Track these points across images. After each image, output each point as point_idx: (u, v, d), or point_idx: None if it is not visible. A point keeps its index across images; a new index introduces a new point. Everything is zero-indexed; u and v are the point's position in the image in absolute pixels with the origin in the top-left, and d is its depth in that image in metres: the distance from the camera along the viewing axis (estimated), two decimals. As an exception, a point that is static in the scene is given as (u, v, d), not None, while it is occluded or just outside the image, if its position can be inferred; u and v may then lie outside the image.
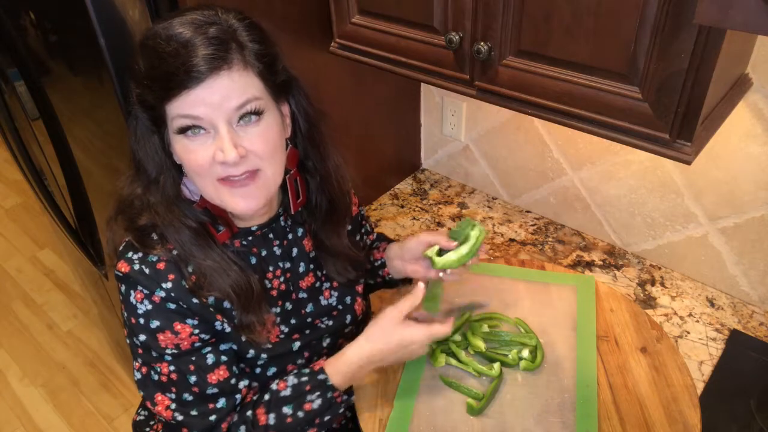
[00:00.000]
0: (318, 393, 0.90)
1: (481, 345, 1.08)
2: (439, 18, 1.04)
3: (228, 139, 0.77)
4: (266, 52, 0.80)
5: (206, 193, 0.84)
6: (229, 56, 0.76)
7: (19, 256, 2.87)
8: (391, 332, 0.93)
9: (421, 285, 0.97)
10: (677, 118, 0.86)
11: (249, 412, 0.89)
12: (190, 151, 0.79)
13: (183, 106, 0.76)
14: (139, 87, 0.79)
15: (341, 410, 0.94)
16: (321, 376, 0.91)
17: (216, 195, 0.83)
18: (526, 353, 1.07)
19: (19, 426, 2.13)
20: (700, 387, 1.11)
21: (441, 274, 1.06)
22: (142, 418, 1.16)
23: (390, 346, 0.92)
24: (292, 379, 0.92)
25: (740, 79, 1.01)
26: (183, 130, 0.78)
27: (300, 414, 0.90)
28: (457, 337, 1.11)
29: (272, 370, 0.96)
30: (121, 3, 0.97)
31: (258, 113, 0.80)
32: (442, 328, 0.94)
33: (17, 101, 1.40)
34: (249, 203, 0.83)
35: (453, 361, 1.07)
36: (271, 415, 0.89)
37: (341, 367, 0.92)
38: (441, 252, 1.04)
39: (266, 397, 0.91)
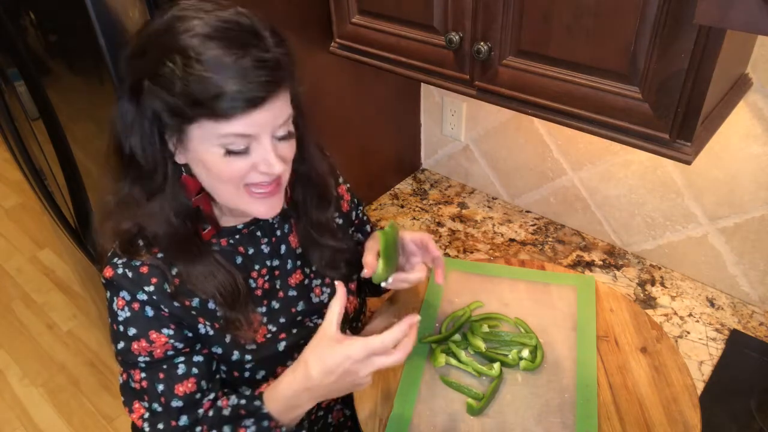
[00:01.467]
0: (252, 420, 0.85)
1: (481, 345, 1.08)
2: (439, 18, 1.04)
3: (274, 153, 0.78)
4: (294, 69, 0.80)
5: (223, 197, 0.83)
6: (280, 76, 0.76)
7: (19, 256, 2.87)
8: (325, 354, 0.80)
9: (340, 284, 0.85)
10: (677, 118, 0.86)
11: (198, 428, 0.88)
12: (230, 164, 0.78)
13: (236, 126, 0.75)
14: (171, 95, 0.74)
15: None
16: (256, 403, 0.85)
17: (236, 199, 0.82)
18: (526, 353, 1.07)
19: (19, 426, 2.13)
20: (700, 387, 1.11)
21: (383, 284, 0.99)
22: (141, 418, 1.15)
23: (325, 370, 0.79)
24: (233, 399, 0.88)
25: (740, 79, 1.01)
26: (230, 151, 0.77)
27: None
28: (457, 337, 1.11)
29: (261, 374, 0.95)
30: (121, 3, 0.97)
31: (291, 131, 0.82)
32: (378, 341, 0.78)
33: (17, 101, 1.40)
34: (270, 210, 0.85)
35: (453, 361, 1.07)
36: None
37: (277, 396, 0.84)
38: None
39: (210, 413, 0.88)
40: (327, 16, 1.24)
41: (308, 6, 1.22)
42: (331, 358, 0.79)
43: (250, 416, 0.85)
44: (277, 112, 0.77)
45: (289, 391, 0.83)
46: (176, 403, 0.87)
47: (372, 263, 0.97)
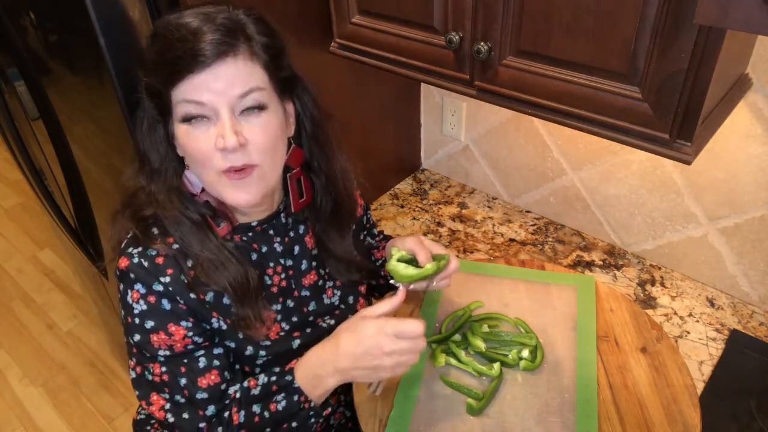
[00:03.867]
0: (283, 394, 0.87)
1: (481, 345, 1.08)
2: (439, 18, 1.04)
3: (229, 125, 0.78)
4: (273, 45, 0.82)
5: (206, 183, 0.84)
6: (236, 44, 0.77)
7: (19, 256, 2.87)
8: (359, 326, 0.84)
9: (402, 288, 0.91)
10: (677, 118, 0.86)
11: (227, 413, 0.89)
12: (192, 139, 0.80)
13: (187, 91, 0.77)
14: (147, 74, 0.81)
15: (312, 421, 0.89)
16: (288, 377, 0.88)
17: (216, 185, 0.83)
18: (526, 353, 1.07)
19: (19, 426, 2.13)
20: (700, 387, 1.11)
21: (391, 282, 1.00)
22: (142, 417, 1.16)
23: (351, 337, 0.83)
24: (262, 378, 0.90)
25: (740, 79, 1.01)
26: (187, 119, 0.79)
27: (266, 414, 0.87)
28: (457, 337, 1.11)
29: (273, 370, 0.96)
30: (121, 3, 0.97)
31: (261, 106, 0.80)
32: (413, 325, 0.83)
33: (17, 101, 1.40)
34: (245, 196, 0.83)
35: (453, 361, 1.07)
36: (242, 413, 0.88)
37: (305, 365, 0.88)
38: (409, 263, 1.02)
39: (237, 395, 0.90)
40: (327, 15, 1.24)
41: (308, 6, 1.22)
42: (363, 329, 0.83)
43: (281, 391, 0.87)
44: (231, 80, 0.77)
45: (316, 359, 0.87)
46: (201, 395, 0.88)
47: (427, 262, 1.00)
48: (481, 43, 0.99)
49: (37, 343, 2.43)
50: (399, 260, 1.01)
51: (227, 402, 0.90)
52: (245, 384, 0.90)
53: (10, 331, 2.50)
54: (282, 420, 0.87)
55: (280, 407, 0.87)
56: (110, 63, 0.98)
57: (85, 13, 0.94)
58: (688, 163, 0.89)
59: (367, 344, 0.82)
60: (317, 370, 0.86)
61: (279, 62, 0.83)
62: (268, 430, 0.88)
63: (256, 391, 0.89)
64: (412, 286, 0.99)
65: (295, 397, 0.87)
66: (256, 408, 0.88)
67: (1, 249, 2.92)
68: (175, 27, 0.76)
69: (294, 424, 0.88)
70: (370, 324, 0.83)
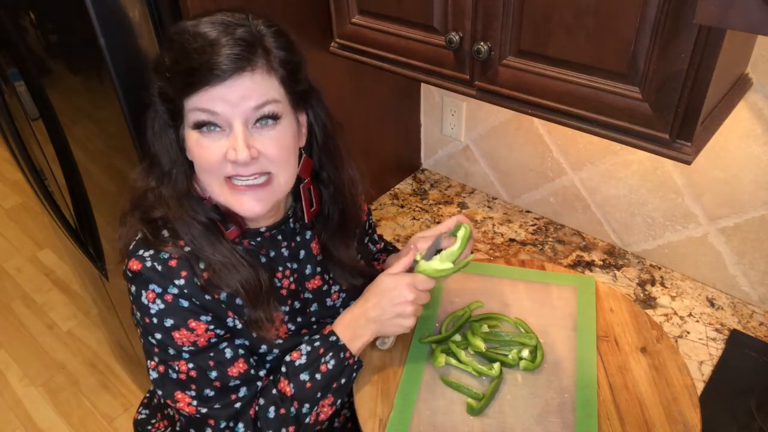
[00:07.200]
0: (331, 353, 0.93)
1: (481, 345, 1.08)
2: (439, 18, 1.04)
3: (242, 138, 0.78)
4: (290, 60, 0.81)
5: (212, 191, 0.84)
6: (253, 59, 0.77)
7: (19, 256, 2.87)
8: (377, 281, 0.97)
9: (413, 246, 1.00)
10: (677, 118, 0.86)
11: (274, 391, 0.91)
12: (202, 147, 0.80)
13: (201, 101, 0.77)
14: (161, 80, 0.80)
15: (354, 375, 0.96)
16: (332, 338, 0.94)
17: (221, 194, 0.83)
18: (526, 353, 1.07)
19: (19, 426, 2.13)
20: (700, 387, 1.11)
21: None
22: (143, 416, 1.16)
23: (375, 291, 0.95)
24: (305, 347, 0.94)
25: (740, 79, 1.01)
26: (198, 125, 0.79)
27: (318, 376, 0.92)
28: (457, 337, 1.11)
29: (283, 368, 0.96)
30: (121, 3, 0.97)
31: (275, 117, 0.80)
32: (424, 279, 0.97)
33: (17, 101, 1.40)
34: (254, 206, 0.84)
35: (453, 361, 1.07)
36: (291, 384, 0.90)
37: (342, 323, 0.96)
38: (432, 256, 1.02)
39: (283, 369, 0.92)
40: (327, 15, 1.24)
41: (308, 6, 1.22)
42: (384, 282, 0.95)
43: (329, 351, 0.93)
44: (246, 93, 0.77)
45: (350, 316, 0.96)
46: (234, 382, 0.89)
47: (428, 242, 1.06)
48: (481, 43, 0.99)
49: (37, 343, 2.43)
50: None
51: (259, 386, 0.92)
52: (287, 358, 0.94)
53: (10, 331, 2.50)
54: (332, 378, 0.93)
55: (330, 366, 0.93)
56: (110, 63, 0.98)
57: (85, 13, 0.94)
58: (688, 163, 0.89)
59: (391, 294, 0.94)
60: (352, 324, 0.95)
61: (296, 77, 0.83)
62: (319, 394, 0.92)
63: (302, 360, 0.92)
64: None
65: (341, 354, 0.93)
66: (304, 376, 0.91)
67: (1, 249, 2.92)
68: (192, 36, 0.76)
69: (343, 381, 0.94)
70: (389, 278, 0.95)
